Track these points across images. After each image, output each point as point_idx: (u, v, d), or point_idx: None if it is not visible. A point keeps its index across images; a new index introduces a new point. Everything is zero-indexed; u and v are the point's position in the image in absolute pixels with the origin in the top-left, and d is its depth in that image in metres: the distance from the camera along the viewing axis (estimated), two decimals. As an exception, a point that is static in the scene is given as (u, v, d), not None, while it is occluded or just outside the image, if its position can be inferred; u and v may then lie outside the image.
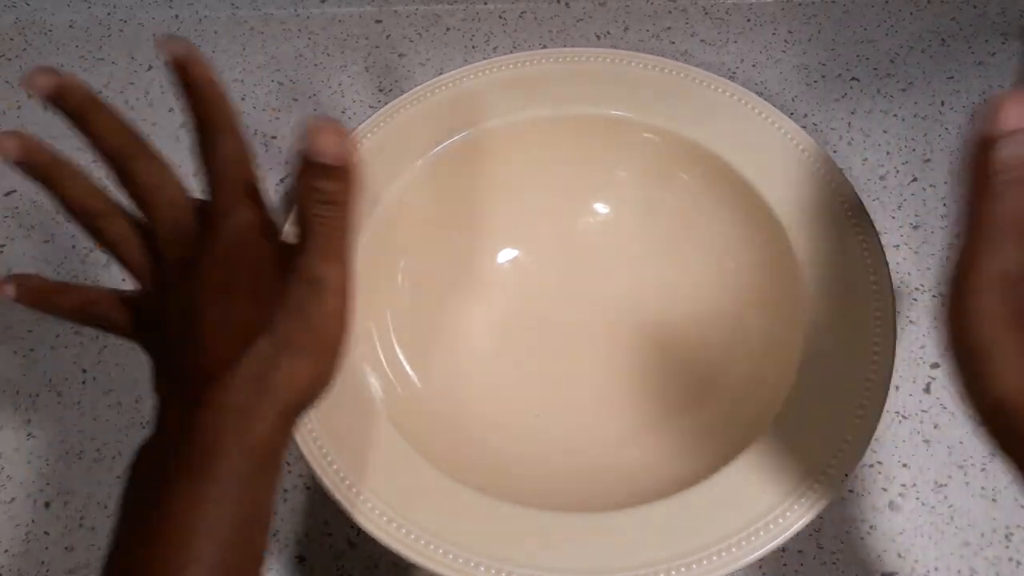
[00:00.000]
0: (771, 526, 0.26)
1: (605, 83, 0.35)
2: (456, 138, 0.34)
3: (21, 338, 0.38)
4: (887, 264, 0.30)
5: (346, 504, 0.27)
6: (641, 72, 0.36)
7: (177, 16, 0.48)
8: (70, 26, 0.47)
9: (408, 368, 0.32)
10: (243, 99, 0.44)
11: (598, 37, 0.46)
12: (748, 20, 0.46)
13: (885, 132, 0.42)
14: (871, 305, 0.29)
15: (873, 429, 0.27)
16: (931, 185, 0.41)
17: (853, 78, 0.44)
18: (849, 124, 0.43)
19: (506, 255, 0.36)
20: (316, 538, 0.33)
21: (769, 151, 0.33)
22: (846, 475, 0.26)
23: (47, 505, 0.34)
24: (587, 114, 0.35)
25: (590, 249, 0.36)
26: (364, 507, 0.27)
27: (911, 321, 0.37)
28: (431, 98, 0.35)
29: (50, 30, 0.47)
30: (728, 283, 0.34)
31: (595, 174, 0.36)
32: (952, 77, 0.44)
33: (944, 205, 0.40)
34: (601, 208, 0.36)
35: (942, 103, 0.43)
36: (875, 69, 0.45)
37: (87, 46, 0.47)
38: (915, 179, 0.41)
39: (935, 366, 0.36)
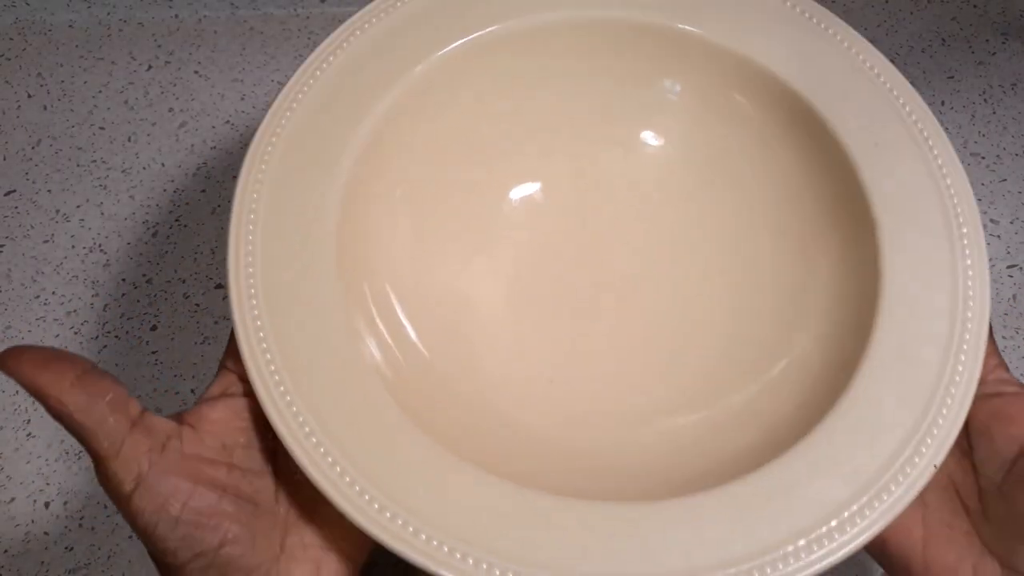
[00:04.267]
0: (847, 527, 0.21)
1: None
2: (463, 41, 0.28)
3: (21, 338, 0.38)
4: (976, 209, 0.25)
5: (328, 487, 0.22)
6: None
7: (177, 16, 0.48)
8: (69, 26, 0.47)
9: (405, 322, 0.27)
10: (243, 99, 0.44)
11: None
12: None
13: (885, 132, 0.42)
14: (959, 262, 0.24)
15: (964, 414, 0.23)
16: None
17: None
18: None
19: (521, 192, 0.30)
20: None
21: (839, 75, 0.27)
22: (935, 466, 0.22)
23: (47, 505, 0.34)
24: (619, 19, 0.28)
25: (621, 186, 0.30)
26: (350, 491, 0.21)
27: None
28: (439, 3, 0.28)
29: (50, 30, 0.47)
30: (791, 234, 0.28)
31: (628, 95, 0.30)
32: (952, 76, 0.44)
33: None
34: (641, 138, 0.30)
35: (942, 103, 0.43)
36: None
37: (86, 46, 0.47)
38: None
39: None
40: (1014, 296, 0.39)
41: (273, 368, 0.23)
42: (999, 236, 0.40)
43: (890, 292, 0.24)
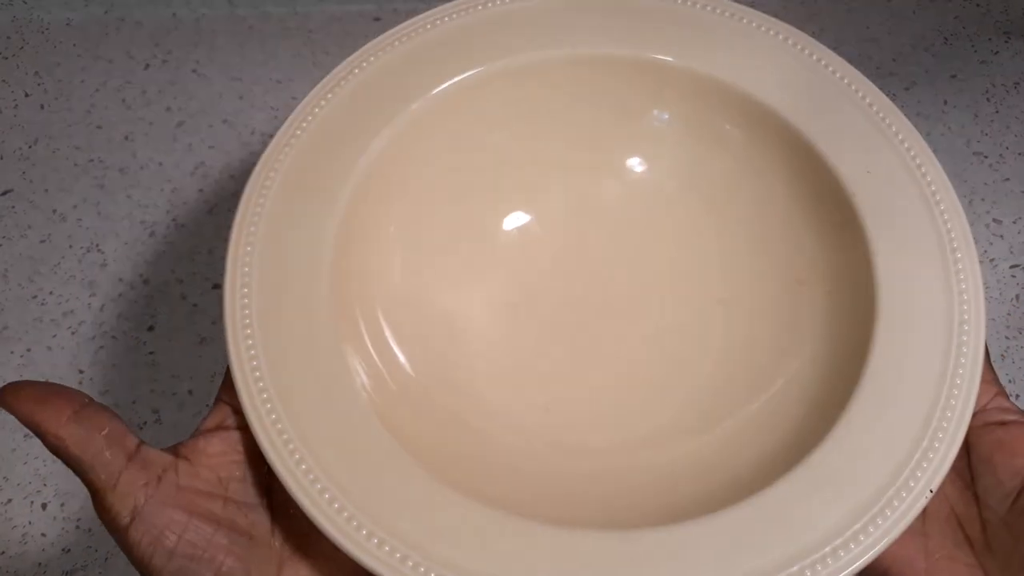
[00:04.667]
0: (841, 553, 0.21)
1: (640, 22, 0.29)
2: (456, 79, 0.29)
3: (18, 338, 0.37)
4: (969, 233, 0.26)
5: (323, 521, 0.22)
6: (666, 5, 0.30)
7: (175, 14, 0.48)
8: (67, 24, 0.47)
9: (398, 352, 0.27)
10: (241, 98, 0.44)
11: None
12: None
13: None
14: (953, 284, 0.25)
15: (962, 434, 0.23)
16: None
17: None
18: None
19: (514, 222, 0.30)
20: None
21: (829, 103, 0.28)
22: (931, 492, 0.22)
23: (44, 507, 0.34)
24: (614, 56, 0.29)
25: (614, 214, 0.31)
26: (347, 526, 0.21)
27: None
28: (430, 31, 0.29)
29: (47, 28, 0.47)
30: (782, 260, 0.29)
31: (621, 125, 0.30)
32: (955, 76, 0.44)
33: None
34: (628, 165, 0.31)
35: (945, 102, 0.43)
36: (878, 68, 0.44)
37: (84, 45, 0.46)
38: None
39: None
40: (1017, 296, 0.39)
41: (269, 404, 0.23)
42: (1002, 236, 0.40)
43: (885, 317, 0.24)
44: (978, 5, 0.47)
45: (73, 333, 0.37)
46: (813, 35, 0.30)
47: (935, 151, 0.41)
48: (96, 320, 0.38)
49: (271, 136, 0.43)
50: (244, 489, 0.23)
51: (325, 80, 0.29)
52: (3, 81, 0.45)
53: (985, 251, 0.40)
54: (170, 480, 0.21)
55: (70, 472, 0.35)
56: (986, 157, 0.42)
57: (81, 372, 0.37)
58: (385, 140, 0.28)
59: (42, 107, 0.44)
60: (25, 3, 0.47)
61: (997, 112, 0.43)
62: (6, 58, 0.46)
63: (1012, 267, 0.39)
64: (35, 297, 0.38)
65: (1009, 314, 0.38)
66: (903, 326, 0.24)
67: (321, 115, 0.28)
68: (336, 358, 0.24)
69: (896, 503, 0.21)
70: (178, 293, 0.38)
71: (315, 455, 0.22)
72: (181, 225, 0.40)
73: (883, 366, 0.24)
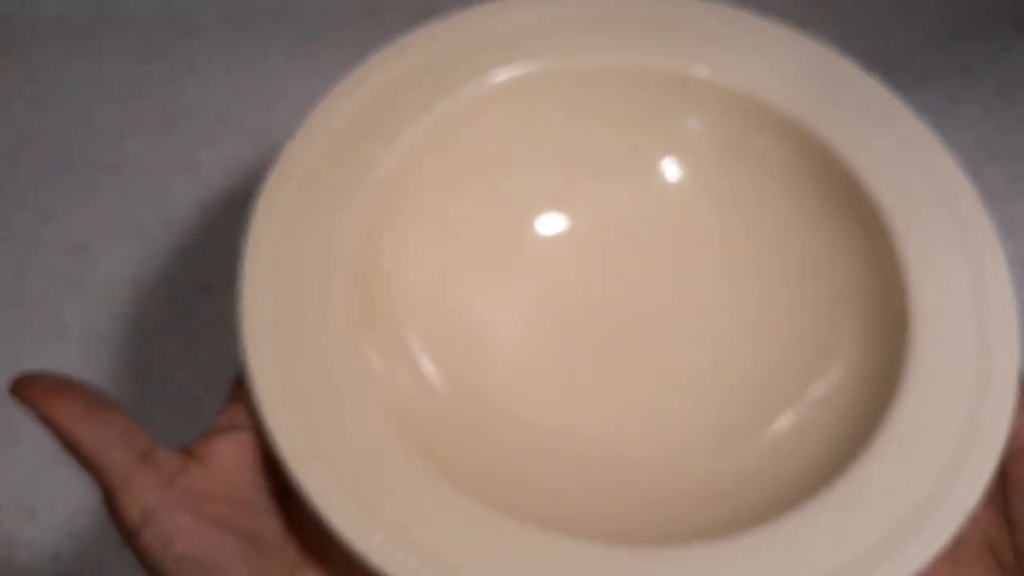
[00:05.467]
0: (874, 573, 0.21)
1: (676, 33, 0.29)
2: (482, 81, 0.28)
3: (6, 340, 0.37)
4: (1001, 255, 0.26)
5: (331, 519, 0.21)
6: (699, 15, 0.30)
7: (167, 10, 0.47)
8: (57, 20, 0.47)
9: (420, 358, 0.27)
10: (233, 94, 0.44)
11: None
12: (755, 15, 0.45)
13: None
14: (991, 308, 0.25)
15: (996, 459, 0.23)
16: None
17: (866, 72, 0.44)
18: (858, 120, 0.42)
19: (543, 226, 0.30)
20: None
21: (864, 127, 0.28)
22: (965, 516, 0.22)
23: (33, 512, 0.33)
24: (649, 65, 0.29)
25: (645, 224, 0.30)
26: (355, 524, 0.21)
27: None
28: (457, 36, 0.29)
29: (37, 24, 0.47)
30: (813, 276, 0.29)
31: (655, 135, 0.30)
32: (966, 71, 0.44)
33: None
34: (661, 176, 0.30)
35: (955, 98, 0.43)
36: (886, 64, 0.43)
37: (75, 41, 0.46)
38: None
39: None
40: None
41: (283, 405, 0.22)
42: (1015, 236, 0.40)
43: (919, 339, 0.24)
44: (989, -2, 0.46)
45: (61, 335, 0.37)
46: (819, 30, 0.30)
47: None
48: (85, 322, 0.37)
49: (264, 133, 0.43)
50: (256, 493, 0.22)
51: (344, 80, 0.28)
52: (-7, 77, 0.45)
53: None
54: (181, 482, 0.21)
55: (59, 477, 0.34)
56: (998, 155, 0.42)
57: (71, 374, 0.36)
58: (408, 140, 0.27)
59: (32, 105, 0.43)
60: (16, -2, 0.47)
61: (1010, 108, 0.43)
62: (-4, 54, 0.46)
63: (1024, 268, 0.39)
64: (22, 298, 0.38)
65: None
66: (936, 350, 0.24)
67: (346, 110, 0.27)
68: (355, 361, 0.23)
69: (928, 527, 0.22)
70: (169, 294, 0.38)
71: (330, 459, 0.22)
72: (173, 224, 0.40)
73: (917, 387, 0.24)
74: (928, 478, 0.22)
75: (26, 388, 0.20)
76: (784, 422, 0.26)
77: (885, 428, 0.23)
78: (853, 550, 0.21)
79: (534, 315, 0.29)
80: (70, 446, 0.20)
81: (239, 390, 0.23)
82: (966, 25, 0.45)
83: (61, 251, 0.39)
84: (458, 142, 0.29)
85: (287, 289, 0.24)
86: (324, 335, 0.24)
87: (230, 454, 0.22)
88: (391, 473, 0.22)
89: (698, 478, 0.26)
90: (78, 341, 0.37)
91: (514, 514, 0.22)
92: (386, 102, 0.27)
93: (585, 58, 0.29)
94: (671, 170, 0.30)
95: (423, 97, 0.28)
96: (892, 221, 0.26)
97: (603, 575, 0.21)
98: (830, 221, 0.28)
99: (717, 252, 0.30)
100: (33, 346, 0.37)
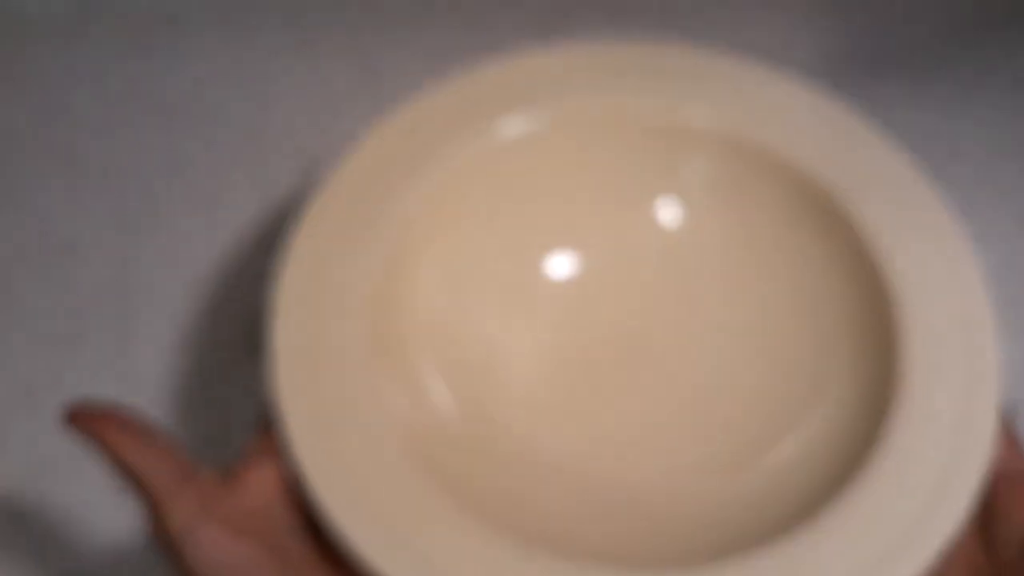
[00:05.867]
0: None
1: (681, 81, 0.32)
2: (495, 125, 0.31)
3: (-6, 343, 0.37)
4: (990, 305, 0.28)
5: (356, 543, 0.23)
6: (705, 63, 0.32)
7: (158, 3, 0.46)
8: (45, 14, 0.46)
9: (437, 388, 0.29)
10: (226, 89, 0.44)
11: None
12: (764, 5, 0.45)
13: (910, 121, 0.41)
14: (976, 346, 0.27)
15: (976, 486, 0.25)
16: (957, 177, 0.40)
17: (877, 66, 0.43)
18: (871, 113, 0.42)
19: (556, 265, 0.33)
20: None
21: (866, 171, 0.30)
22: (951, 535, 0.24)
23: (22, 516, 0.33)
24: (656, 111, 0.31)
25: (653, 262, 0.33)
26: (379, 547, 0.23)
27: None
28: (477, 85, 0.31)
29: (23, 19, 0.46)
30: (813, 314, 0.31)
31: (664, 177, 0.32)
32: (983, 66, 0.43)
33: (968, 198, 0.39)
34: (669, 216, 0.33)
35: (971, 95, 0.42)
36: (900, 56, 0.43)
37: (62, 35, 0.45)
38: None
39: None
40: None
41: (310, 433, 0.25)
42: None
43: (909, 377, 0.26)
44: (1005, -16, 0.46)
45: (47, 337, 0.37)
46: (824, 29, 0.31)
47: (959, 146, 0.41)
48: (71, 323, 0.37)
49: (257, 130, 0.42)
50: (285, 513, 0.24)
51: (375, 124, 0.31)
52: (-19, 74, 0.45)
53: (1013, 255, 0.39)
54: (220, 501, 0.23)
55: (48, 481, 0.34)
56: (1012, 154, 0.41)
57: (60, 379, 0.36)
58: (425, 186, 0.30)
59: (17, 101, 0.43)
60: (3, -8, 0.47)
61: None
62: (-16, 49, 0.45)
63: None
64: (7, 299, 0.38)
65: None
66: (924, 384, 0.26)
67: (373, 147, 0.30)
68: (376, 390, 0.26)
69: (914, 550, 0.23)
70: (159, 295, 0.38)
71: (354, 484, 0.24)
72: (162, 224, 0.40)
73: (905, 419, 0.26)
74: (915, 505, 0.24)
75: (85, 418, 0.23)
76: (784, 450, 0.28)
77: (874, 457, 0.25)
78: (843, 574, 0.23)
79: (545, 348, 0.32)
80: (120, 467, 0.23)
81: (270, 415, 0.26)
82: (983, 18, 0.45)
83: (46, 251, 0.39)
84: (475, 186, 0.31)
85: (312, 325, 0.27)
86: (347, 364, 0.26)
87: (262, 478, 0.24)
88: (413, 499, 0.24)
89: (702, 503, 0.28)
90: (64, 343, 0.37)
91: (525, 537, 0.24)
92: (409, 149, 0.30)
93: (595, 106, 0.31)
94: (676, 210, 0.33)
95: (443, 144, 0.30)
96: (886, 262, 0.28)
97: None
98: (827, 260, 0.30)
99: (720, 288, 0.32)
100: (18, 348, 0.37)
